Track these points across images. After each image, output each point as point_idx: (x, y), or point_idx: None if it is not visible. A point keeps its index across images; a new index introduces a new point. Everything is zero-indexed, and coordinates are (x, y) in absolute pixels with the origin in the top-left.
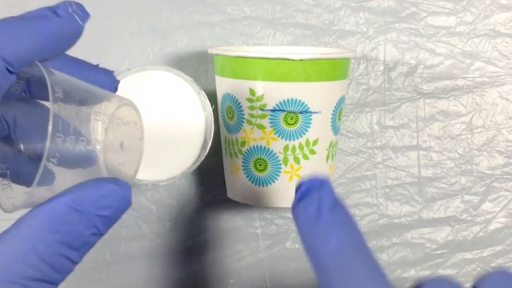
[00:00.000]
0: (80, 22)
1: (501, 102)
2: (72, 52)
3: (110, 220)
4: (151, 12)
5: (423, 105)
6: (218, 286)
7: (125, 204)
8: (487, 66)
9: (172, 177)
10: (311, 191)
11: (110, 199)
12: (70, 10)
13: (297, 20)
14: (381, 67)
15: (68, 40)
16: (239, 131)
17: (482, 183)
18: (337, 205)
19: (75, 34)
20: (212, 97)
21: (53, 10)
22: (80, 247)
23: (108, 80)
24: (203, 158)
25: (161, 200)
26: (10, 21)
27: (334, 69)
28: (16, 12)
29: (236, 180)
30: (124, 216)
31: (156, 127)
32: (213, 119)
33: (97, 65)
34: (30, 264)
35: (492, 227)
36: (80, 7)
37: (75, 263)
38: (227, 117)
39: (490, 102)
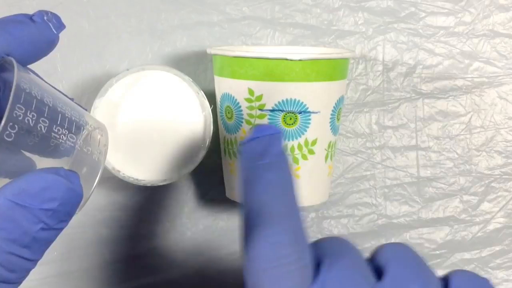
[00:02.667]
0: (54, 31)
1: (500, 102)
2: (72, 51)
3: (58, 213)
4: (150, 12)
5: (422, 105)
6: (217, 286)
7: (72, 195)
8: (486, 66)
9: (171, 177)
10: (263, 135)
11: (54, 190)
12: (45, 18)
13: (296, 20)
14: (380, 67)
15: (41, 48)
16: (238, 131)
17: (481, 183)
18: (282, 156)
19: (49, 43)
20: (211, 97)
21: (29, 16)
22: (30, 243)
23: None
24: (202, 158)
25: (160, 200)
26: None
27: (333, 69)
28: (15, 11)
29: (235, 180)
30: (123, 216)
31: (155, 127)
32: (212, 119)
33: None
34: None
35: (491, 227)
36: (56, 17)
37: (31, 260)
38: (226, 117)
39: (489, 102)
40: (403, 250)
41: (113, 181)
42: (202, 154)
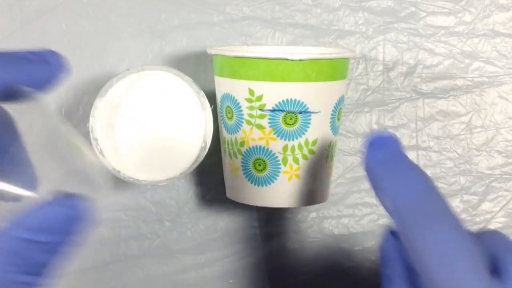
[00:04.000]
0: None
1: (500, 102)
2: (72, 51)
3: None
4: (150, 12)
5: (422, 105)
6: (218, 286)
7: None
8: (486, 66)
9: (172, 177)
10: (380, 142)
11: (55, 222)
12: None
13: (296, 20)
14: (380, 67)
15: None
16: (238, 131)
17: (481, 183)
18: (405, 156)
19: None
20: (211, 97)
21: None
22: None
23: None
24: (202, 158)
25: (161, 201)
26: None
27: (333, 69)
28: (15, 11)
29: (236, 180)
30: (123, 216)
31: (155, 128)
32: (212, 119)
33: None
34: None
35: (491, 227)
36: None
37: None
38: (226, 117)
39: (489, 102)
40: None
41: (113, 181)
42: (202, 154)
